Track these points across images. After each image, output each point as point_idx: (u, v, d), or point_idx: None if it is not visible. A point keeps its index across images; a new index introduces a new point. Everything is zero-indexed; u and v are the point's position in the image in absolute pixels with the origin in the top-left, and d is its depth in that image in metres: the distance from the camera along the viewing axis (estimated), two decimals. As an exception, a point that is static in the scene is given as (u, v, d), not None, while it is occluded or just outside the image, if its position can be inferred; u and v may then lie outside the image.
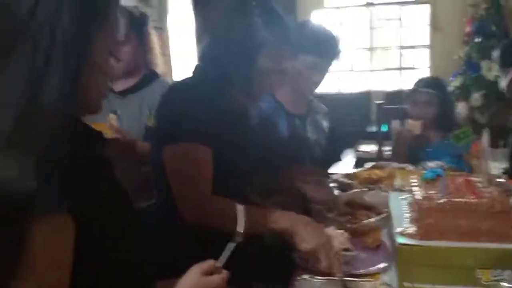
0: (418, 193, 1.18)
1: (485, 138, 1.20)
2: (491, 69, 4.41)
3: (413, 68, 5.66)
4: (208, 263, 0.84)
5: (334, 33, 1.79)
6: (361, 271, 1.15)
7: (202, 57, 1.31)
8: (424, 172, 1.34)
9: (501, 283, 0.92)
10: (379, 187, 1.76)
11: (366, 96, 5.62)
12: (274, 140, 1.56)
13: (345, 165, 3.53)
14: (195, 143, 1.13)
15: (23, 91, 0.57)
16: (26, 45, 0.58)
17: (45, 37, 0.59)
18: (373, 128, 3.61)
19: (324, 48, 1.74)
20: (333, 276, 1.07)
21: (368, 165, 2.13)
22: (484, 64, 4.46)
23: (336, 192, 1.85)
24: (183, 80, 1.30)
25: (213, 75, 1.21)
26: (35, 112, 0.57)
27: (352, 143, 3.95)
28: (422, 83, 2.23)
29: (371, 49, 5.76)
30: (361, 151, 3.50)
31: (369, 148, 3.31)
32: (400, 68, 5.71)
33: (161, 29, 4.63)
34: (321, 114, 1.96)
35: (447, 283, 1.06)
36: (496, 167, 1.94)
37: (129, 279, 0.76)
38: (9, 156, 0.55)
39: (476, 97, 4.44)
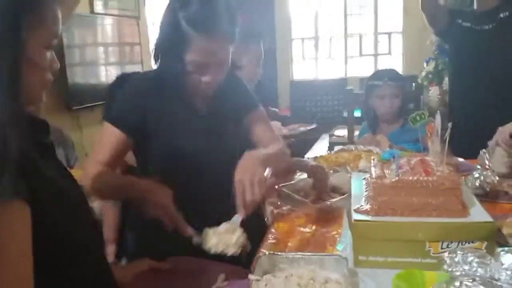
0: (374, 173, 1.25)
1: (438, 120, 1.26)
2: (462, 54, 4.52)
3: (388, 54, 5.75)
4: None
5: None
6: None
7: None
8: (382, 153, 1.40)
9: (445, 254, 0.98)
10: (345, 169, 1.82)
11: (343, 82, 5.71)
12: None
13: (320, 149, 3.61)
14: (112, 125, 1.24)
15: None
16: None
17: None
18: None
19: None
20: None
21: (337, 148, 2.19)
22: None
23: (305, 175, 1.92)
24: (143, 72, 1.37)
25: (156, 71, 1.29)
26: None
27: (329, 128, 4.04)
28: (386, 76, 2.31)
29: (347, 36, 5.82)
30: (335, 135, 3.58)
31: (343, 132, 3.38)
32: (376, 54, 5.80)
33: (138, 18, 4.61)
34: None
35: (399, 255, 1.12)
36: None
37: (88, 260, 0.80)
38: None
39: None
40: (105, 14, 4.20)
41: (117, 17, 4.35)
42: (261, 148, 1.32)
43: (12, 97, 0.65)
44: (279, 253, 1.14)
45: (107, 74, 4.14)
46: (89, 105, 3.67)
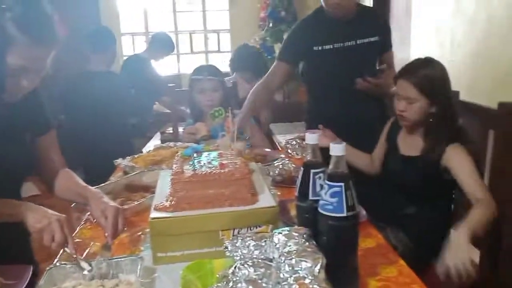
0: (174, 169, 1.27)
1: (230, 116, 1.35)
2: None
3: (217, 52, 5.94)
4: None
5: None
6: None
7: None
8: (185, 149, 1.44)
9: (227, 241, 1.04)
10: (161, 167, 1.82)
11: (176, 79, 5.72)
12: None
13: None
14: None
15: None
16: None
17: None
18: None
19: None
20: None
21: (157, 146, 2.19)
22: (276, 47, 4.92)
23: (120, 175, 1.87)
24: None
25: None
26: None
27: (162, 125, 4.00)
28: (206, 71, 2.40)
29: (177, 32, 5.85)
30: (167, 132, 3.56)
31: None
32: (206, 52, 5.94)
33: None
34: None
35: (195, 247, 1.17)
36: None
37: None
38: None
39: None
40: None
41: None
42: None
43: None
44: (70, 264, 1.09)
45: None
46: None
